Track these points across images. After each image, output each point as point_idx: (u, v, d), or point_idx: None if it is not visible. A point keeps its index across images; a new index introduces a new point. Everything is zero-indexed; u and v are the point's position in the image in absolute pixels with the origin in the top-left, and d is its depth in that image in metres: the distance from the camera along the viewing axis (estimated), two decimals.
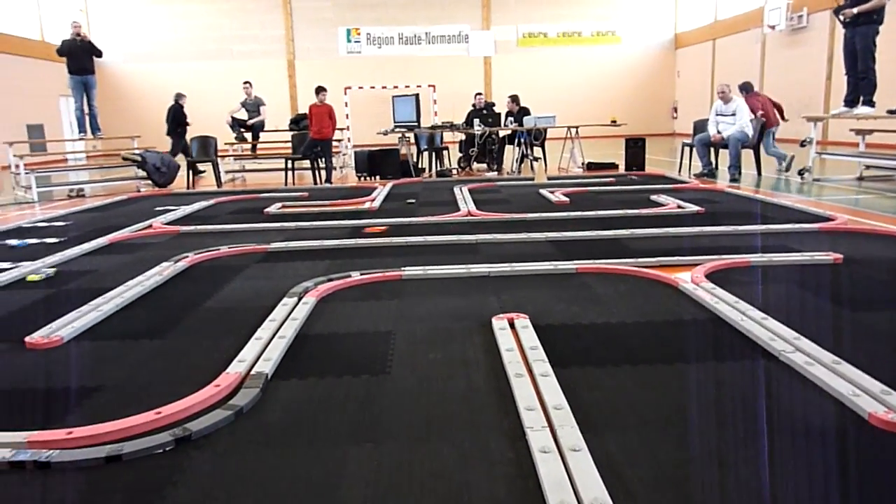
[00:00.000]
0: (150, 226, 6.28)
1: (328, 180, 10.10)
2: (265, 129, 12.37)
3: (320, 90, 10.05)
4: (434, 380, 2.41)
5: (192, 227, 6.03)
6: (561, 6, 23.66)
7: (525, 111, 11.71)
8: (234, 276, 4.13)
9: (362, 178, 10.70)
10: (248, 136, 11.89)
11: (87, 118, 11.02)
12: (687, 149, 10.18)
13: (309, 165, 10.38)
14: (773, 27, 17.59)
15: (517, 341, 2.75)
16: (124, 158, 10.35)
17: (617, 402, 2.18)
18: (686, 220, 5.60)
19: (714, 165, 9.45)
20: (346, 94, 22.76)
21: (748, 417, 2.05)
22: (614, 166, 10.94)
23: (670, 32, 24.26)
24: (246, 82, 11.91)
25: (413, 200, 7.58)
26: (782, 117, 10.27)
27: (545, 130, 11.29)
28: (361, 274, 3.99)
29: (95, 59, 10.92)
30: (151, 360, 2.73)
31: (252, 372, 2.48)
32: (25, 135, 18.98)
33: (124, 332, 3.10)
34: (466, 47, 23.76)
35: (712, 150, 9.45)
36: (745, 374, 2.39)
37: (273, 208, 7.18)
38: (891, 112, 7.41)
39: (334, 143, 10.87)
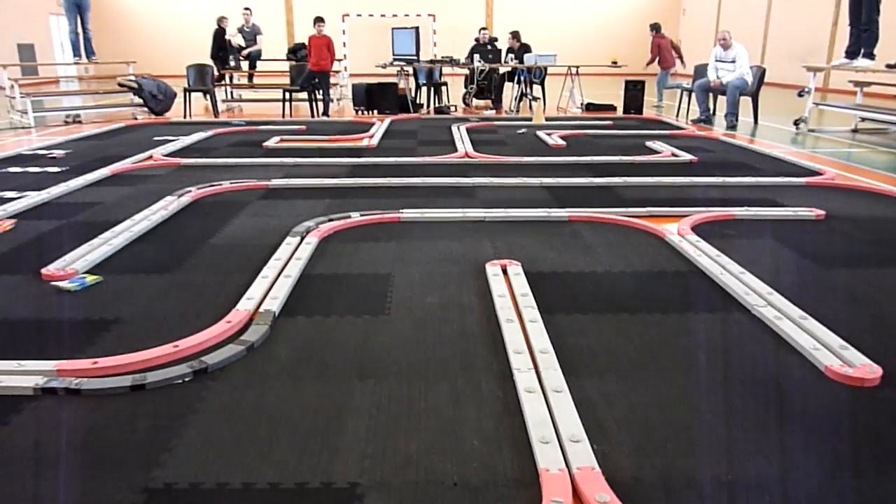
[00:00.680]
0: (150, 157, 6.35)
1: (325, 113, 10.08)
2: (262, 58, 12.21)
3: (318, 20, 9.91)
4: (431, 322, 2.60)
5: (192, 160, 6.11)
6: None
7: (526, 48, 11.59)
8: (237, 213, 4.27)
9: (360, 112, 10.68)
10: (245, 64, 11.74)
11: (81, 41, 10.86)
12: (685, 94, 10.18)
13: (306, 97, 10.33)
14: None
15: (509, 287, 2.93)
16: (120, 85, 10.26)
17: (597, 348, 2.37)
18: (678, 170, 5.72)
19: (712, 112, 9.47)
20: (343, 21, 22.30)
21: (716, 366, 2.24)
22: (613, 108, 10.93)
23: None
24: (246, 8, 11.68)
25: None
26: (681, 60, 12.42)
27: (545, 69, 11.21)
28: (361, 215, 4.12)
29: None
30: (164, 294, 2.89)
31: (260, 309, 2.66)
32: (16, 54, 18.63)
33: (136, 266, 3.25)
34: None
35: (711, 96, 9.46)
36: (717, 326, 2.58)
37: (272, 142, 7.24)
38: (890, 66, 7.43)
39: (332, 75, 10.79)
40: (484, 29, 12.31)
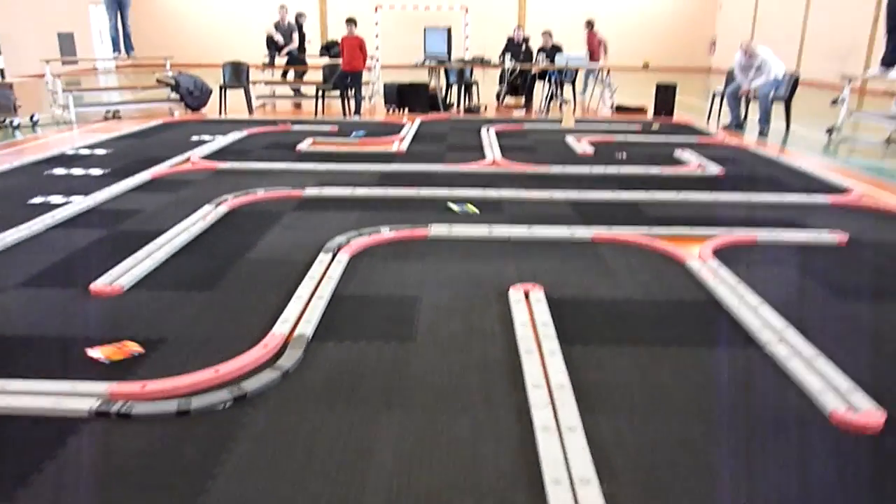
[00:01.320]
0: (188, 159, 6.57)
1: (357, 112, 10.24)
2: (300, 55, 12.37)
3: (350, 21, 10.05)
4: (454, 350, 2.74)
5: (228, 165, 6.31)
6: None
7: (557, 48, 11.61)
8: (272, 225, 4.45)
9: (391, 111, 10.83)
10: (283, 60, 11.91)
11: (120, 37, 11.15)
12: (717, 98, 10.12)
13: (338, 95, 10.49)
14: None
15: (530, 314, 3.05)
16: (159, 81, 10.53)
17: (613, 383, 2.49)
18: (704, 184, 5.76)
19: (743, 117, 9.41)
20: (376, 12, 22.39)
21: (725, 408, 2.35)
22: (643, 111, 10.92)
23: None
24: (282, 6, 11.85)
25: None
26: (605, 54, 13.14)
27: (576, 71, 11.23)
28: (391, 230, 4.27)
29: None
30: (205, 313, 3.08)
31: (295, 333, 2.82)
32: (56, 43, 19.12)
33: (177, 282, 3.44)
34: None
35: (742, 100, 9.40)
36: (730, 363, 2.67)
37: (304, 145, 7.42)
38: None
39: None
40: (518, 27, 12.34)
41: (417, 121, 9.57)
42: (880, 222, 4.77)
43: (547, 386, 2.43)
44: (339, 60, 10.40)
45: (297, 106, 11.86)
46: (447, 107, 11.07)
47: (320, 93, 10.49)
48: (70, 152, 6.99)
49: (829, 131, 8.55)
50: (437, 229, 4.27)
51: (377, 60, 13.90)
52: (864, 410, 2.28)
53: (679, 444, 2.13)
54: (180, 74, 10.63)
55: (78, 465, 2.01)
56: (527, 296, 3.27)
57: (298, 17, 12.07)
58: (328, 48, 12.31)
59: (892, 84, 8.58)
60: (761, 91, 8.74)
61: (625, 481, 1.95)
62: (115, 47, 11.24)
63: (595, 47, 12.83)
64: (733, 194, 5.36)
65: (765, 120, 8.80)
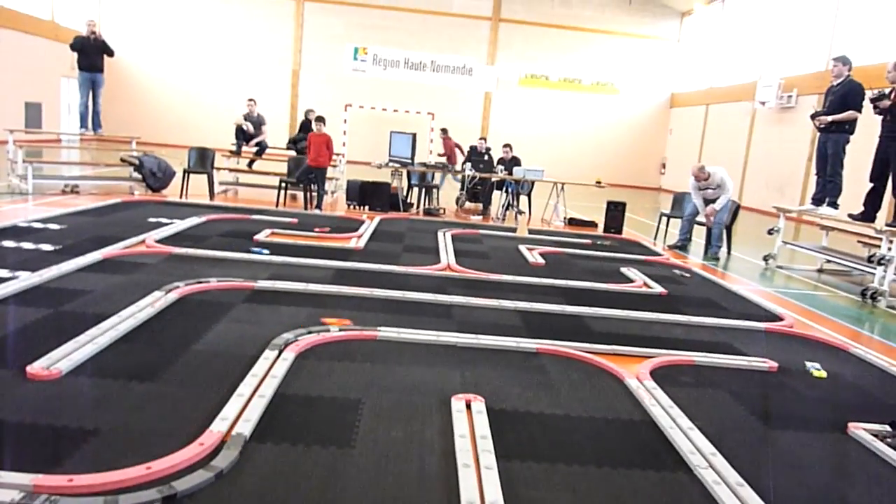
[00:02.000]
0: (143, 242, 6.56)
1: (318, 206, 10.42)
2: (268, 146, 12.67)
3: (319, 120, 10.41)
4: (392, 460, 2.75)
5: (183, 250, 6.32)
6: (565, 52, 24.35)
7: (516, 161, 12.16)
8: (221, 316, 4.44)
9: (352, 207, 11.05)
10: (252, 150, 12.17)
11: (90, 114, 11.28)
12: (664, 219, 10.65)
13: (302, 188, 10.69)
14: (763, 103, 18.32)
15: (470, 426, 3.10)
16: (122, 160, 10.60)
17: (546, 503, 2.53)
18: (648, 304, 5.99)
19: (689, 238, 9.82)
20: (346, 110, 23.20)
21: None
22: (594, 224, 11.38)
23: (667, 91, 25.05)
24: (250, 99, 12.23)
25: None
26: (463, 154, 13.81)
27: (533, 183, 11.73)
28: (340, 330, 4.31)
29: (106, 57, 11.20)
30: (143, 405, 3.03)
31: (233, 432, 2.80)
32: (23, 112, 19.14)
33: (118, 370, 3.39)
34: (470, 80, 24.25)
35: (692, 224, 9.80)
36: (660, 487, 2.75)
37: (262, 235, 7.49)
38: (852, 216, 7.91)
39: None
40: (482, 139, 12.93)
41: (377, 219, 9.78)
42: (810, 350, 5.01)
43: (481, 503, 2.45)
44: (305, 155, 10.67)
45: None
46: (407, 207, 11.36)
47: (283, 185, 10.68)
48: (22, 224, 6.92)
49: (766, 258, 9.04)
50: (386, 332, 4.34)
51: (343, 157, 14.32)
52: None
53: None
54: (145, 155, 10.73)
55: None
56: (468, 406, 3.32)
57: (307, 113, 12.80)
58: (295, 142, 12.63)
59: (825, 219, 9.18)
60: (720, 214, 9.17)
61: None
62: (83, 124, 11.35)
63: (451, 150, 13.90)
64: (674, 316, 5.59)
65: (718, 246, 9.21)
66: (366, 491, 2.49)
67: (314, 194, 10.48)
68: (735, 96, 20.28)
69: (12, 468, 2.37)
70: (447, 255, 7.36)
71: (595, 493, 2.64)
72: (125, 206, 8.85)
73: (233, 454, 2.62)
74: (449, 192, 12.71)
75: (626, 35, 24.35)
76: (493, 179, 11.85)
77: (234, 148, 12.10)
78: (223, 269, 5.72)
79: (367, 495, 2.46)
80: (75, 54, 11.02)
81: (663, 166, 25.23)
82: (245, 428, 2.84)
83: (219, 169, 11.49)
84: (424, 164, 11.79)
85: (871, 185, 7.74)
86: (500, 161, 12.25)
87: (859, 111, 7.87)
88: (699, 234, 9.83)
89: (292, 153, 12.11)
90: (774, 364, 4.47)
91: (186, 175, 10.58)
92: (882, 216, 7.95)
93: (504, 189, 11.82)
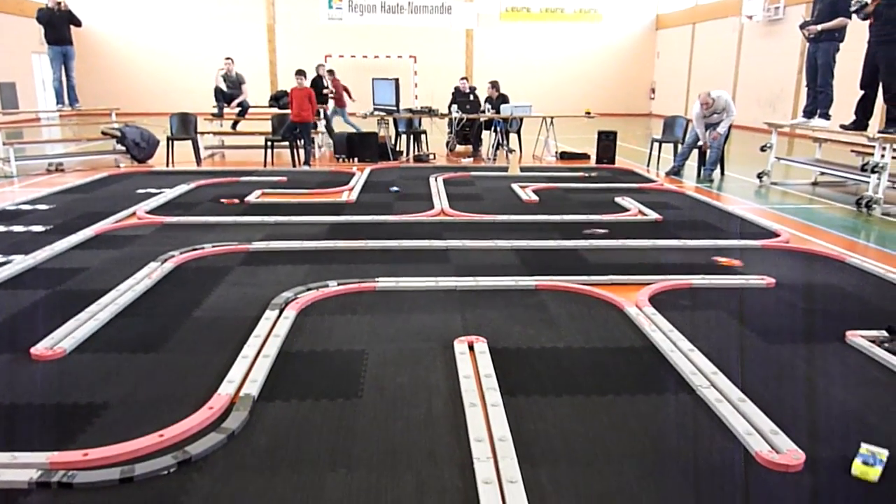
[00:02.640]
0: (133, 214, 6.53)
1: (307, 162, 10.32)
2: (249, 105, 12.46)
3: (299, 73, 10.21)
4: (400, 406, 2.79)
5: (175, 219, 6.29)
6: None
7: (504, 98, 11.98)
8: (219, 281, 4.45)
9: (340, 160, 10.95)
10: (234, 111, 11.98)
11: (65, 89, 11.06)
12: (656, 145, 10.56)
13: (288, 145, 10.57)
14: (750, 17, 17.95)
15: (474, 366, 3.14)
16: (104, 133, 10.45)
17: (553, 434, 2.58)
18: (644, 231, 5.99)
19: (683, 164, 9.68)
20: (325, 61, 22.71)
21: (658, 453, 2.46)
22: (586, 157, 11.30)
23: (652, 13, 24.50)
24: (227, 58, 11.96)
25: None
26: (350, 98, 13.30)
27: (521, 120, 11.59)
28: (339, 284, 4.33)
29: (74, 28, 10.91)
30: (150, 375, 3.06)
31: (241, 393, 2.84)
32: None
33: (121, 344, 3.41)
34: (449, 18, 23.67)
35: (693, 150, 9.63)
36: (664, 409, 2.80)
37: (252, 197, 7.44)
38: (844, 127, 7.83)
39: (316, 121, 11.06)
40: (464, 78, 12.71)
41: (367, 170, 9.70)
42: (806, 264, 5.04)
43: (490, 439, 2.50)
44: (288, 111, 10.51)
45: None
46: (397, 155, 11.25)
47: (269, 143, 10.55)
48: (10, 208, 6.86)
49: (760, 176, 9.01)
50: (385, 283, 4.35)
51: (326, 109, 14.09)
52: (785, 451, 2.42)
53: (615, 492, 2.23)
54: (126, 126, 10.57)
55: None
56: (471, 348, 3.36)
57: (318, 68, 12.79)
58: (277, 98, 12.43)
59: (816, 133, 9.10)
60: (716, 143, 9.03)
61: None
62: (59, 99, 11.13)
63: (340, 93, 13.07)
64: (671, 241, 5.60)
65: (713, 165, 9.14)
66: (376, 438, 2.54)
67: (301, 151, 10.37)
68: (721, 12, 19.84)
69: (27, 448, 2.41)
70: (440, 200, 7.33)
71: (600, 420, 2.69)
72: (112, 180, 8.76)
73: (242, 415, 2.66)
74: (440, 137, 12.58)
75: None
76: (481, 120, 11.70)
77: (215, 111, 11.90)
78: (217, 234, 5.70)
79: (378, 442, 2.51)
80: (42, 29, 10.72)
81: (653, 91, 24.90)
82: (252, 388, 2.88)
83: (203, 133, 11.34)
84: (410, 110, 11.61)
85: (862, 92, 7.64)
86: (487, 100, 12.06)
87: (849, 17, 7.70)
88: (692, 158, 9.76)
89: (275, 111, 11.91)
90: (772, 280, 4.50)
91: (170, 143, 10.44)
92: (874, 123, 7.87)
93: (493, 129, 11.68)
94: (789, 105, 16.53)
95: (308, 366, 3.18)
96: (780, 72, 16.99)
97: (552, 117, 11.53)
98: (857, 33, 8.06)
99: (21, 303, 4.01)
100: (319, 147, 12.11)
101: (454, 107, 11.42)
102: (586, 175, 9.32)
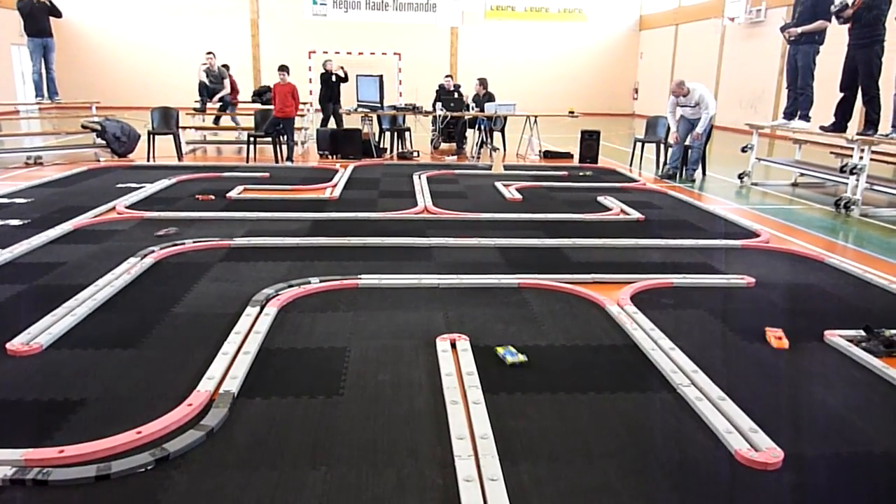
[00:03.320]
0: (113, 209, 6.45)
1: (290, 158, 10.26)
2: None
3: (282, 69, 10.14)
4: (382, 403, 2.78)
5: (155, 214, 6.22)
6: None
7: (490, 97, 11.98)
8: (199, 277, 4.40)
9: (324, 157, 10.89)
10: (216, 106, 11.87)
11: (44, 81, 10.89)
12: (639, 144, 10.61)
13: (270, 141, 10.49)
14: (732, 19, 18.09)
15: (456, 364, 3.13)
16: (84, 126, 10.30)
17: (534, 431, 2.58)
18: (626, 230, 6.02)
19: (679, 166, 9.46)
20: (310, 57, 22.59)
21: (639, 451, 2.47)
22: (569, 156, 11.34)
23: (635, 14, 24.61)
24: (209, 52, 11.84)
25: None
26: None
27: (505, 118, 11.60)
28: (321, 281, 4.30)
29: (54, 19, 10.75)
30: (128, 371, 3.03)
31: (220, 390, 2.81)
32: None
33: (99, 340, 3.37)
34: (434, 16, 23.64)
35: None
36: (644, 407, 2.81)
37: (234, 192, 7.38)
38: (823, 128, 7.93)
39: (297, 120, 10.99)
40: (448, 76, 12.69)
41: (351, 167, 9.66)
42: (786, 264, 5.10)
43: (471, 437, 2.50)
44: (271, 106, 10.44)
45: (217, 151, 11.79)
46: (380, 152, 11.22)
47: (252, 139, 10.47)
48: None
49: (741, 176, 9.09)
50: (367, 280, 4.33)
51: (311, 106, 14.01)
52: (764, 450, 2.44)
53: (596, 489, 2.23)
54: (107, 120, 10.44)
55: None
56: (453, 345, 3.35)
57: (325, 64, 12.69)
58: (260, 94, 12.33)
59: (796, 135, 9.20)
60: (698, 143, 8.96)
61: None
62: (39, 92, 10.96)
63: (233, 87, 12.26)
64: (652, 241, 5.63)
65: (695, 165, 9.14)
66: (357, 435, 2.52)
67: (284, 146, 10.30)
68: (704, 14, 19.99)
69: (1, 445, 2.36)
70: (424, 197, 7.31)
71: (582, 417, 2.70)
72: (92, 174, 8.65)
73: (222, 412, 2.63)
74: (424, 134, 12.56)
75: None
76: (466, 118, 11.70)
77: (197, 105, 11.78)
78: (198, 230, 5.65)
79: (359, 439, 2.50)
80: (22, 20, 10.55)
81: (636, 91, 25.02)
82: (232, 385, 2.85)
83: (184, 128, 11.22)
84: (394, 107, 11.58)
85: (842, 94, 7.74)
86: (475, 97, 12.04)
87: (829, 20, 7.80)
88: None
89: (258, 106, 11.82)
90: (752, 280, 4.54)
91: (152, 137, 10.32)
92: (853, 125, 7.97)
93: (477, 127, 11.68)
94: (770, 106, 16.69)
95: (289, 363, 3.16)
96: (761, 73, 17.15)
97: (536, 116, 11.56)
98: (837, 36, 8.17)
99: None
100: (303, 143, 12.04)
101: (439, 104, 11.40)
102: (581, 175, 9.22)
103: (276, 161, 10.27)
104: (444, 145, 12.37)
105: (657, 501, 2.17)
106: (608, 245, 5.46)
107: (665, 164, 9.56)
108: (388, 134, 11.70)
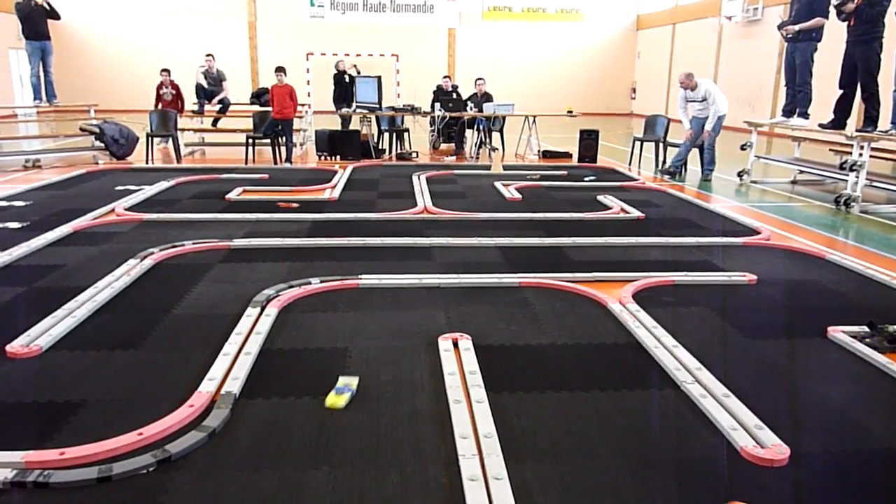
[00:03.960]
0: (112, 211, 6.43)
1: (288, 160, 10.24)
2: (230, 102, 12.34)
3: (279, 70, 10.13)
4: (384, 403, 2.76)
5: (154, 216, 6.20)
6: None
7: (488, 97, 11.96)
8: (199, 279, 4.39)
9: (322, 158, 10.87)
10: (215, 108, 11.86)
11: (42, 84, 10.87)
12: (638, 143, 10.60)
13: (269, 142, 10.48)
14: (729, 18, 18.10)
15: (459, 364, 3.12)
16: (82, 129, 10.28)
17: (538, 429, 2.57)
18: (626, 229, 6.01)
19: (683, 164, 9.40)
20: (307, 59, 22.57)
21: (644, 448, 2.45)
22: (568, 155, 11.33)
23: (632, 13, 24.61)
24: (208, 55, 11.83)
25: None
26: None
27: (504, 118, 11.59)
28: (321, 281, 4.28)
29: (52, 21, 10.73)
30: (128, 373, 3.01)
31: (222, 391, 2.79)
32: None
33: (99, 342, 3.35)
34: (431, 17, 23.62)
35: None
36: (648, 404, 2.80)
37: (234, 194, 7.36)
38: (822, 126, 7.92)
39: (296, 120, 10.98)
40: (446, 77, 12.68)
41: (350, 168, 9.64)
42: (787, 261, 5.09)
43: (475, 436, 2.48)
44: (270, 108, 10.43)
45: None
46: (379, 153, 11.20)
47: (250, 140, 10.45)
48: None
49: (740, 174, 9.08)
50: (368, 280, 4.32)
51: (309, 107, 14.00)
52: (770, 446, 2.43)
53: (600, 487, 2.22)
54: (105, 122, 10.41)
55: None
56: (455, 345, 3.34)
57: (338, 64, 12.87)
58: (258, 96, 12.32)
59: (793, 132, 9.20)
60: (709, 139, 8.88)
61: None
62: (37, 95, 10.94)
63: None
64: (653, 239, 5.62)
65: (711, 165, 9.04)
66: (360, 435, 2.51)
67: (283, 148, 10.28)
68: (701, 13, 19.99)
69: (1, 447, 2.35)
70: (423, 197, 7.30)
71: (585, 416, 2.68)
72: (90, 177, 8.62)
73: (224, 413, 2.61)
74: (423, 135, 12.55)
75: None
76: (464, 118, 11.68)
77: (196, 107, 11.77)
78: (197, 231, 5.63)
79: (362, 439, 2.48)
80: (19, 23, 10.53)
81: (633, 91, 25.02)
82: (234, 386, 2.83)
83: (183, 130, 11.20)
84: (393, 108, 11.57)
85: (841, 91, 7.73)
86: (473, 96, 12.02)
87: (826, 17, 7.80)
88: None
89: (256, 108, 11.81)
90: (754, 277, 4.53)
91: (150, 139, 10.31)
92: (852, 122, 7.96)
93: (476, 127, 11.66)
94: (768, 105, 16.69)
95: (290, 363, 3.14)
96: (758, 71, 17.15)
97: (534, 116, 11.55)
98: (835, 33, 8.16)
99: None
100: (302, 145, 12.03)
101: (437, 105, 11.39)
102: (590, 179, 9.00)
103: (275, 162, 10.26)
104: (443, 146, 12.36)
105: (662, 499, 2.16)
106: (609, 244, 5.44)
107: (665, 160, 9.51)
108: (386, 135, 11.69)
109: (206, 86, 11.70)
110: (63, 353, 3.21)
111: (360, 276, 4.37)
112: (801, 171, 8.94)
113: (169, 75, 11.62)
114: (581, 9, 24.04)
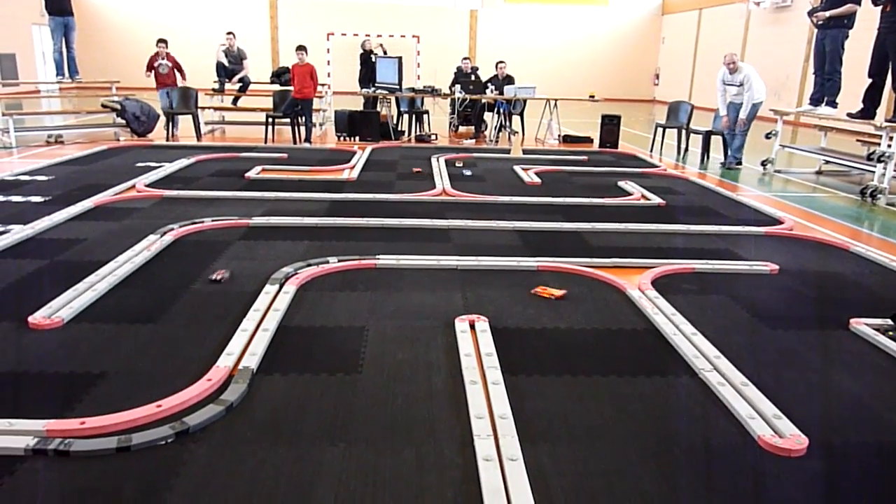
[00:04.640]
0: (133, 187, 6.47)
1: (308, 139, 10.24)
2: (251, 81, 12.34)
3: (300, 49, 10.10)
4: (400, 382, 2.77)
5: (174, 193, 6.24)
6: None
7: (509, 79, 11.86)
8: (218, 255, 4.41)
9: (342, 139, 10.86)
10: (235, 87, 11.87)
11: (65, 60, 10.94)
12: (660, 130, 10.48)
13: (289, 122, 10.48)
14: (758, 3, 17.76)
15: (475, 345, 3.11)
16: (104, 106, 10.35)
17: (554, 413, 2.56)
18: (647, 215, 5.95)
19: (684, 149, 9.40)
20: (328, 39, 22.52)
21: (660, 434, 2.44)
22: (589, 140, 11.23)
23: None
24: (229, 33, 11.82)
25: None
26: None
27: (525, 101, 11.49)
28: (339, 260, 4.29)
29: None
30: (148, 346, 3.04)
31: (239, 366, 2.81)
32: None
33: (120, 315, 3.38)
34: None
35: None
36: (666, 391, 2.78)
37: (253, 173, 7.38)
38: (850, 115, 7.76)
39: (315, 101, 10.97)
40: (466, 58, 12.59)
41: (368, 149, 9.63)
42: (809, 251, 5.01)
43: (490, 416, 2.48)
44: (290, 88, 10.42)
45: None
46: (398, 135, 11.17)
47: (270, 120, 10.45)
48: (9, 178, 6.80)
49: (764, 163, 8.95)
50: (385, 260, 4.31)
51: (329, 88, 13.97)
52: (788, 436, 2.40)
53: (616, 472, 2.21)
54: (126, 99, 10.47)
55: None
56: (472, 326, 3.33)
57: (364, 44, 12.77)
58: (278, 75, 12.29)
59: (822, 122, 9.03)
60: (748, 120, 8.73)
61: None
62: (59, 71, 11.00)
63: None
64: (673, 226, 5.56)
65: (739, 153, 8.90)
66: (376, 412, 2.52)
67: (302, 128, 10.28)
68: None
69: (24, 416, 2.38)
70: (442, 179, 7.27)
71: (601, 400, 2.67)
72: (111, 153, 8.69)
73: (241, 387, 2.63)
74: (442, 117, 12.49)
75: None
76: (484, 101, 11.60)
77: (216, 86, 11.78)
78: (217, 209, 5.65)
79: (378, 416, 2.49)
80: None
81: (657, 77, 24.69)
82: (251, 361, 2.85)
83: (203, 108, 11.23)
84: (413, 90, 11.51)
85: (870, 80, 7.57)
86: (493, 79, 11.92)
87: (858, 4, 7.61)
88: (694, 143, 9.69)
89: (276, 87, 11.79)
90: (775, 267, 4.47)
91: (171, 117, 10.34)
92: (881, 112, 7.80)
93: (496, 110, 11.58)
94: (794, 94, 16.40)
95: (307, 340, 3.16)
96: (786, 59, 16.84)
97: (556, 100, 11.43)
98: (867, 21, 7.98)
99: (19, 272, 3.98)
100: (321, 125, 12.02)
101: (457, 87, 11.31)
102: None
103: (295, 142, 10.26)
104: (462, 128, 12.30)
105: (677, 485, 2.15)
106: (629, 230, 5.40)
107: (727, 155, 9.12)
108: (406, 116, 11.64)
109: (226, 64, 11.69)
110: (84, 326, 3.24)
111: (377, 257, 4.37)
112: (827, 162, 8.78)
113: (166, 46, 11.02)
114: None
